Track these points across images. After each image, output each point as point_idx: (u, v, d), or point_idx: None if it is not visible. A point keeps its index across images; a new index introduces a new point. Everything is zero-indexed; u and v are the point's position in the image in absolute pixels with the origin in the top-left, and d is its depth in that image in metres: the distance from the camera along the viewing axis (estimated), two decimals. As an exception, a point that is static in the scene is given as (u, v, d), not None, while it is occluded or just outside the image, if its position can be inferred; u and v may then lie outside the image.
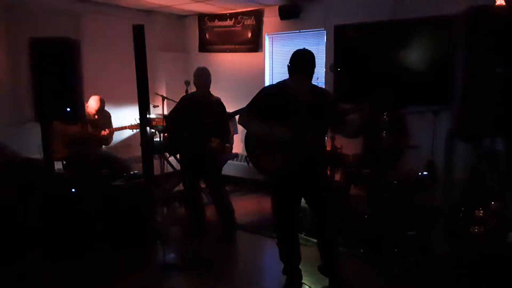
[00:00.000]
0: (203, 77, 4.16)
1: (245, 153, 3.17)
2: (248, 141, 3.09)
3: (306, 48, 2.98)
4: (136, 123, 4.83)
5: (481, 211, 2.83)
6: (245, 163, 4.13)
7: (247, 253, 4.16)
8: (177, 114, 4.30)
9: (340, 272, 3.13)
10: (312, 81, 2.99)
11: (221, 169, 4.46)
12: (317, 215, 3.12)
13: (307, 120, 2.85)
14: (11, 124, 5.07)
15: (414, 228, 3.86)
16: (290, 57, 2.94)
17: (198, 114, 4.07)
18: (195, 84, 4.20)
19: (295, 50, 2.97)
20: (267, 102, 2.97)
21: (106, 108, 5.27)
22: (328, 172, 4.33)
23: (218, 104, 4.16)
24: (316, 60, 2.96)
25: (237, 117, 3.71)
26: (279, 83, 3.07)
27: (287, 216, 3.12)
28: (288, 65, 2.92)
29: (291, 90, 2.92)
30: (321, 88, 3.11)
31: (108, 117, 4.90)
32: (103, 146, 4.95)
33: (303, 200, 3.17)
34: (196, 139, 4.06)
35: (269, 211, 3.30)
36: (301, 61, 2.88)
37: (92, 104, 4.78)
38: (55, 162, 4.28)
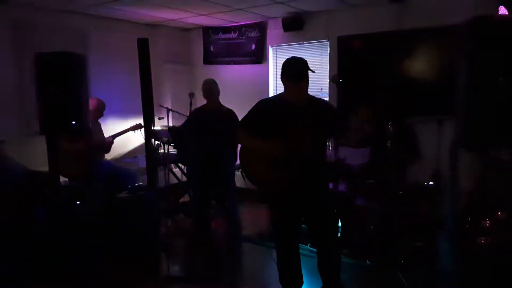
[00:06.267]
0: (211, 88, 4.24)
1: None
2: (242, 155, 2.97)
3: (304, 58, 2.81)
4: (135, 124, 4.89)
5: (488, 221, 2.80)
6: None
7: (250, 265, 4.15)
8: (190, 127, 4.36)
9: None
10: (316, 92, 2.93)
11: (234, 179, 4.49)
12: (318, 235, 2.98)
13: (304, 132, 2.71)
14: (18, 137, 5.12)
15: (421, 239, 3.82)
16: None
17: (211, 124, 4.13)
18: (204, 96, 4.26)
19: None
20: (262, 116, 2.86)
21: (113, 120, 5.32)
22: (333, 185, 4.27)
23: (231, 114, 4.21)
24: (320, 71, 2.92)
25: None
26: (274, 96, 3.02)
27: (287, 235, 2.96)
28: (281, 76, 2.79)
29: (287, 101, 2.79)
30: (319, 99, 2.97)
31: (99, 128, 4.93)
32: (105, 156, 4.97)
33: None
34: (210, 149, 4.10)
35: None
36: (290, 66, 2.73)
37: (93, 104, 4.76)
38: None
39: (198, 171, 4.39)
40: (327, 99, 5.70)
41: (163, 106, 5.58)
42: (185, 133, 4.41)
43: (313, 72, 2.74)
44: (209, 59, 7.07)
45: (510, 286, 2.68)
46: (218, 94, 4.29)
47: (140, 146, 6.26)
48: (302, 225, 3.05)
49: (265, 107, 2.91)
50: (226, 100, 4.47)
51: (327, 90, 5.79)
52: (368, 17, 5.38)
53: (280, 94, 2.95)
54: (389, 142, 3.83)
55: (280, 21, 6.06)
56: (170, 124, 5.41)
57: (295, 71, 2.72)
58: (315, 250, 3.81)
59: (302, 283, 3.05)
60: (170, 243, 4.13)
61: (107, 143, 4.78)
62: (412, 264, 3.51)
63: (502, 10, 4.16)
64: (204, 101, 4.41)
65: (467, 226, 2.87)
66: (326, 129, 2.82)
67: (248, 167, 2.93)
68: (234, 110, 4.32)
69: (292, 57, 2.79)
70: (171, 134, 5.06)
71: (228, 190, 4.30)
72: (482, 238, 2.76)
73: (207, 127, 4.18)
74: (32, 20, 5.24)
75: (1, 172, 3.86)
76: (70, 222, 3.68)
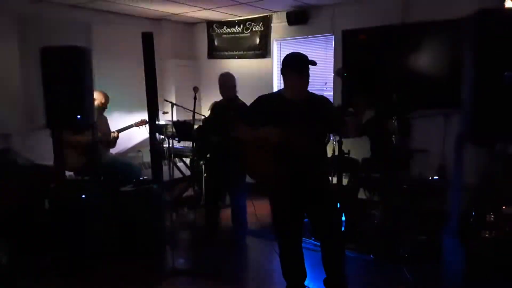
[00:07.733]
0: (226, 82, 4.24)
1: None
2: (241, 149, 2.95)
3: (309, 52, 2.90)
4: (140, 120, 4.94)
5: (492, 216, 2.79)
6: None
7: (254, 259, 4.16)
8: (208, 122, 4.40)
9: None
10: (321, 86, 2.93)
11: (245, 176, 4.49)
12: (320, 229, 2.97)
13: (303, 127, 2.71)
14: (24, 131, 5.14)
15: (425, 233, 3.82)
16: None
17: (225, 118, 4.11)
18: (220, 91, 4.26)
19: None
20: (261, 112, 2.86)
21: (118, 115, 5.33)
22: (335, 178, 4.26)
23: (243, 107, 4.21)
24: (325, 65, 2.92)
25: None
26: (274, 92, 3.03)
27: (288, 229, 2.95)
28: (282, 68, 2.83)
29: (286, 98, 2.81)
30: (318, 95, 2.97)
31: (105, 122, 4.95)
32: (111, 151, 4.99)
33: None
34: (224, 142, 4.11)
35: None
36: (293, 58, 2.79)
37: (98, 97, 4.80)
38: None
39: (212, 163, 4.42)
40: (331, 93, 5.72)
41: (167, 101, 5.58)
42: (207, 126, 4.41)
43: (315, 64, 2.74)
44: (214, 53, 7.07)
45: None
46: (233, 87, 4.27)
47: (145, 140, 6.28)
48: (305, 220, 3.05)
49: (264, 103, 2.91)
50: (230, 94, 4.47)
51: (331, 84, 5.78)
52: (373, 11, 5.35)
53: (279, 90, 2.96)
54: (393, 136, 3.83)
55: (284, 15, 6.04)
56: (175, 118, 5.42)
57: (298, 61, 2.76)
58: (318, 244, 3.83)
59: (305, 276, 3.05)
60: (175, 237, 4.15)
61: (112, 138, 4.80)
62: (416, 259, 3.51)
63: (509, 3, 4.12)
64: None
65: (471, 220, 2.86)
66: (324, 125, 2.81)
67: (247, 160, 2.91)
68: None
69: (294, 52, 2.84)
70: (176, 128, 5.07)
71: (236, 188, 4.31)
72: (487, 232, 2.75)
73: (221, 121, 4.18)
74: (36, 14, 5.25)
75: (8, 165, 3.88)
76: (75, 216, 3.70)
